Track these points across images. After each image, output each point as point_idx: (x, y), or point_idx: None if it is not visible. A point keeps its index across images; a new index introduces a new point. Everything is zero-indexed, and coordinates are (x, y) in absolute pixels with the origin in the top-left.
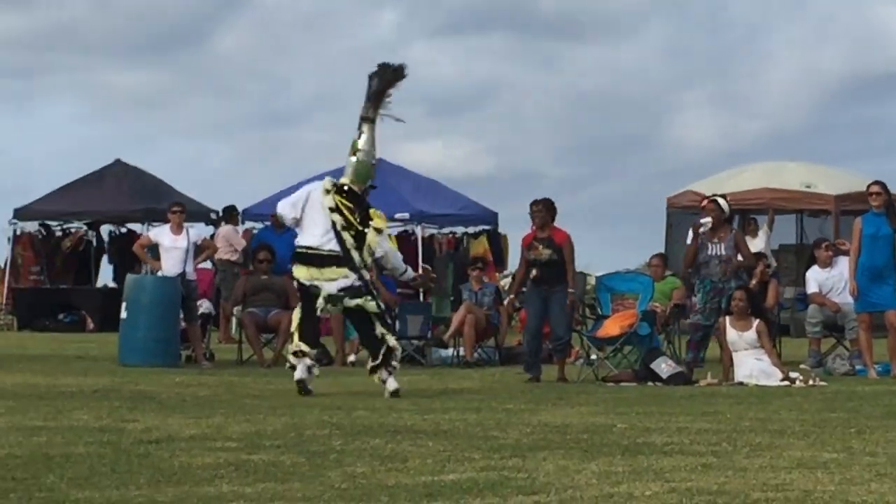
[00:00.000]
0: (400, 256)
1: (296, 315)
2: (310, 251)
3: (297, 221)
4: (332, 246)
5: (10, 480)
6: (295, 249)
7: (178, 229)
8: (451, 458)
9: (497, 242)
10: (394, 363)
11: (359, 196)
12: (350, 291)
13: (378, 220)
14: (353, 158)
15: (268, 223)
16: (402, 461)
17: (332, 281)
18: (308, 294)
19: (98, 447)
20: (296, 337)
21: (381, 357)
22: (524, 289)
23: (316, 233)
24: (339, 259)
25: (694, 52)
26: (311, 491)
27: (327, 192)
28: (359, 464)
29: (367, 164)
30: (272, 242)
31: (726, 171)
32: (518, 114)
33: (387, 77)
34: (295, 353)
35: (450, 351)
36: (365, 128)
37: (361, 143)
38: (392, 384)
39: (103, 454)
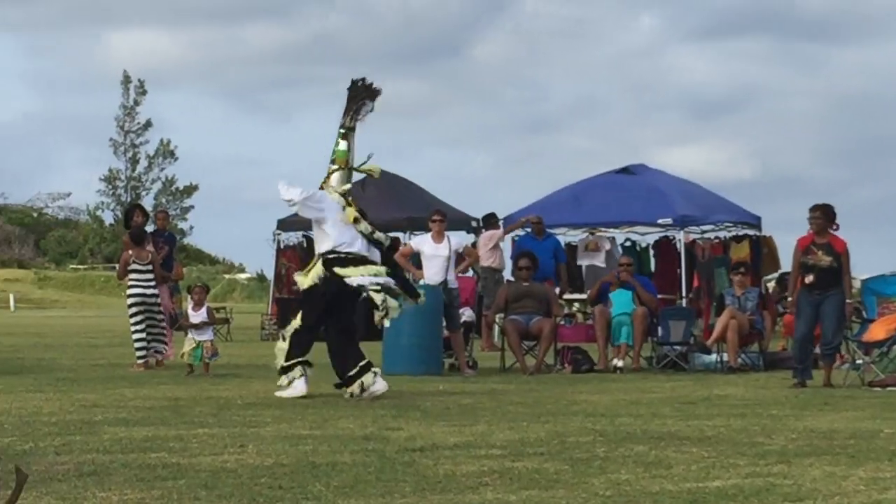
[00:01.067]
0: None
1: (295, 326)
2: (350, 255)
3: (318, 220)
4: (369, 251)
5: (277, 489)
6: (329, 254)
7: (439, 237)
8: (715, 465)
9: (758, 247)
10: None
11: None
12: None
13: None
14: (336, 167)
15: (528, 230)
16: (666, 468)
17: (380, 276)
18: (338, 296)
19: (363, 455)
20: (288, 353)
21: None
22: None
23: (346, 240)
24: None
25: None
26: (574, 498)
27: (348, 205)
28: (622, 471)
29: (349, 171)
30: (533, 249)
31: None
32: (779, 117)
33: (360, 95)
34: (286, 370)
35: (713, 356)
36: (348, 137)
37: (345, 151)
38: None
39: (368, 462)
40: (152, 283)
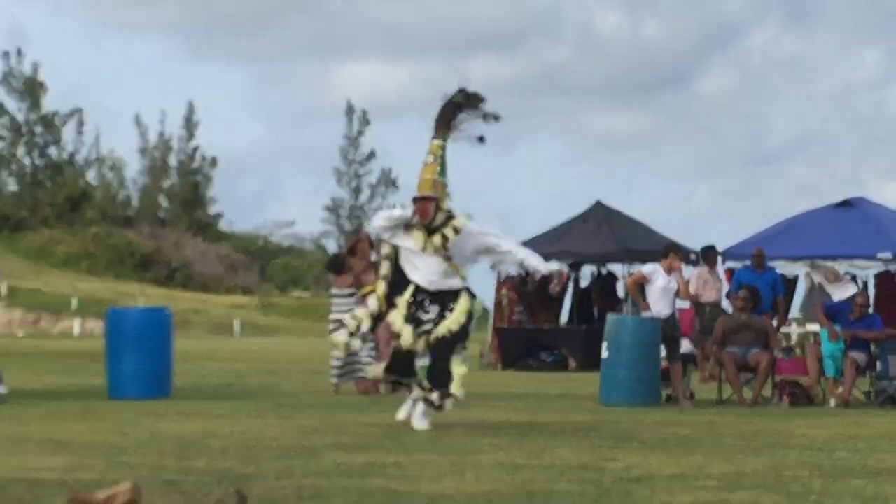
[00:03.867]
0: (512, 245)
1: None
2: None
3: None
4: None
5: None
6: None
7: (671, 270)
8: None
9: None
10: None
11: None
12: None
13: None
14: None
15: (747, 262)
16: (883, 502)
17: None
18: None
19: (580, 485)
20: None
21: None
22: None
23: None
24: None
25: None
26: None
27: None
28: None
29: (430, 179)
30: (752, 282)
31: None
32: None
33: (458, 101)
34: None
35: None
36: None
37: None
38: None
39: (585, 492)
40: (349, 309)
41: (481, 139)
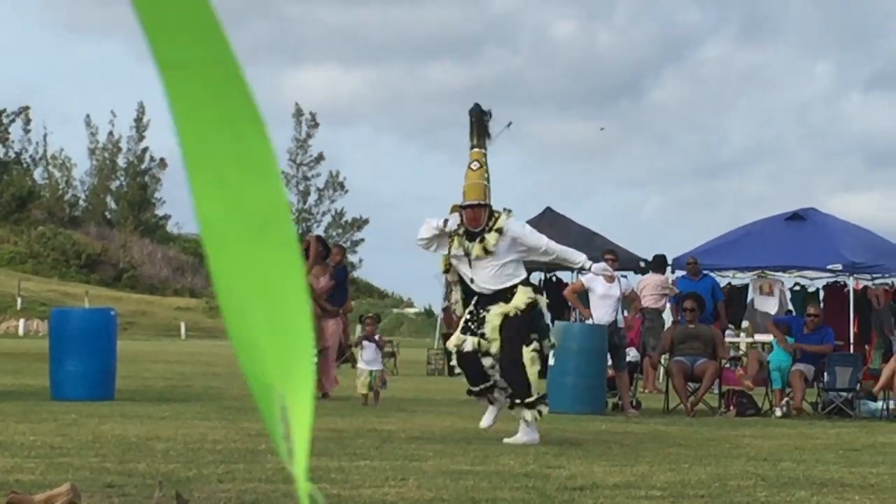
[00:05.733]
0: (550, 242)
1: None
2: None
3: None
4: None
5: None
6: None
7: (611, 278)
8: None
9: None
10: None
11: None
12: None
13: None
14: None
15: (682, 273)
16: None
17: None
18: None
19: (523, 492)
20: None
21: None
22: None
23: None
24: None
25: None
26: None
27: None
28: None
29: (480, 184)
30: (690, 290)
31: None
32: None
33: (475, 115)
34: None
35: (879, 403)
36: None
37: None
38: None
39: (528, 499)
40: None
41: (509, 124)
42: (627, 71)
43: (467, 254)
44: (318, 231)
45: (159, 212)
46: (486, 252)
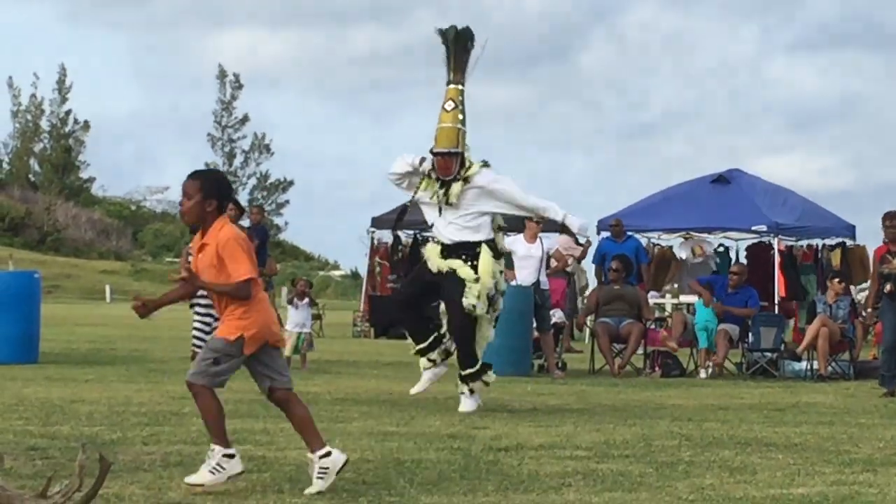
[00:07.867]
0: (525, 195)
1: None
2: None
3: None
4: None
5: (361, 484)
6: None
7: (532, 238)
8: (800, 472)
9: (850, 256)
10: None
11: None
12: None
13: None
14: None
15: (606, 234)
16: (751, 473)
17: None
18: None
19: (448, 453)
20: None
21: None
22: (878, 304)
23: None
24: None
25: None
26: (658, 501)
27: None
28: (707, 475)
29: (453, 129)
30: (612, 251)
31: None
32: (877, 128)
33: (452, 41)
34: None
35: (803, 364)
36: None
37: (447, 108)
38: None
39: (453, 460)
40: None
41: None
42: (552, 34)
43: (434, 199)
44: (244, 194)
45: (84, 175)
46: (448, 203)
